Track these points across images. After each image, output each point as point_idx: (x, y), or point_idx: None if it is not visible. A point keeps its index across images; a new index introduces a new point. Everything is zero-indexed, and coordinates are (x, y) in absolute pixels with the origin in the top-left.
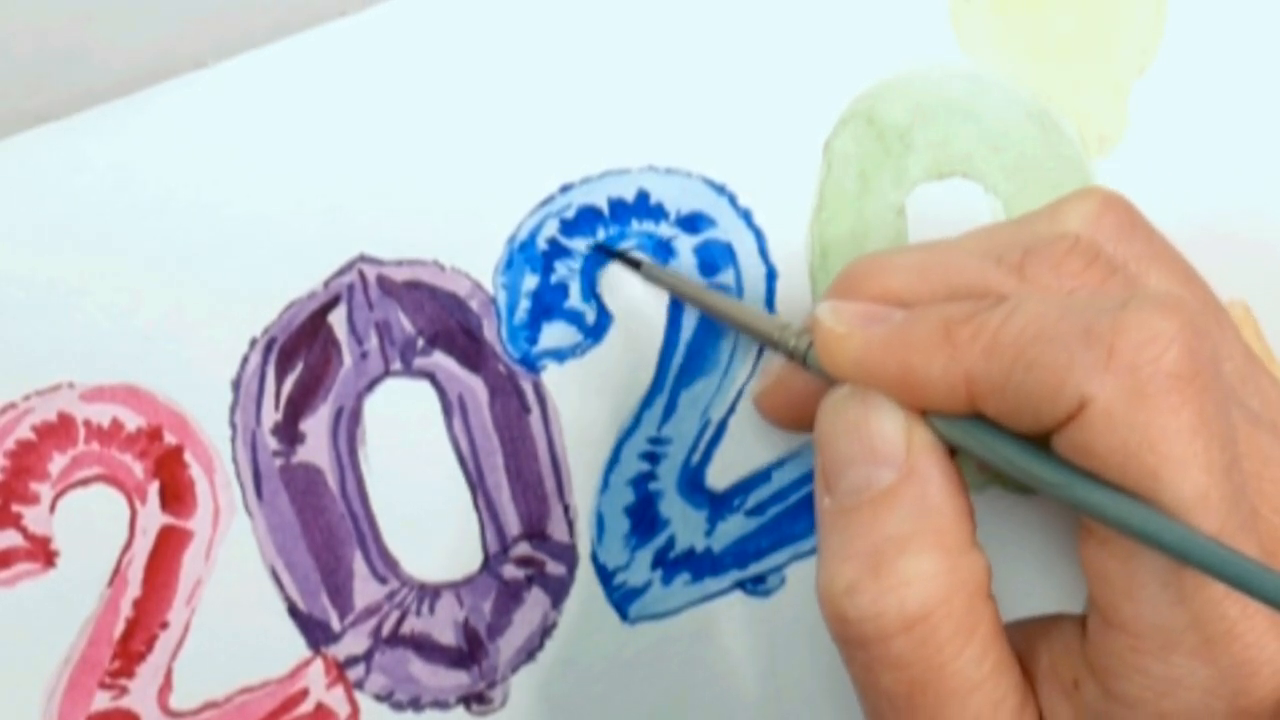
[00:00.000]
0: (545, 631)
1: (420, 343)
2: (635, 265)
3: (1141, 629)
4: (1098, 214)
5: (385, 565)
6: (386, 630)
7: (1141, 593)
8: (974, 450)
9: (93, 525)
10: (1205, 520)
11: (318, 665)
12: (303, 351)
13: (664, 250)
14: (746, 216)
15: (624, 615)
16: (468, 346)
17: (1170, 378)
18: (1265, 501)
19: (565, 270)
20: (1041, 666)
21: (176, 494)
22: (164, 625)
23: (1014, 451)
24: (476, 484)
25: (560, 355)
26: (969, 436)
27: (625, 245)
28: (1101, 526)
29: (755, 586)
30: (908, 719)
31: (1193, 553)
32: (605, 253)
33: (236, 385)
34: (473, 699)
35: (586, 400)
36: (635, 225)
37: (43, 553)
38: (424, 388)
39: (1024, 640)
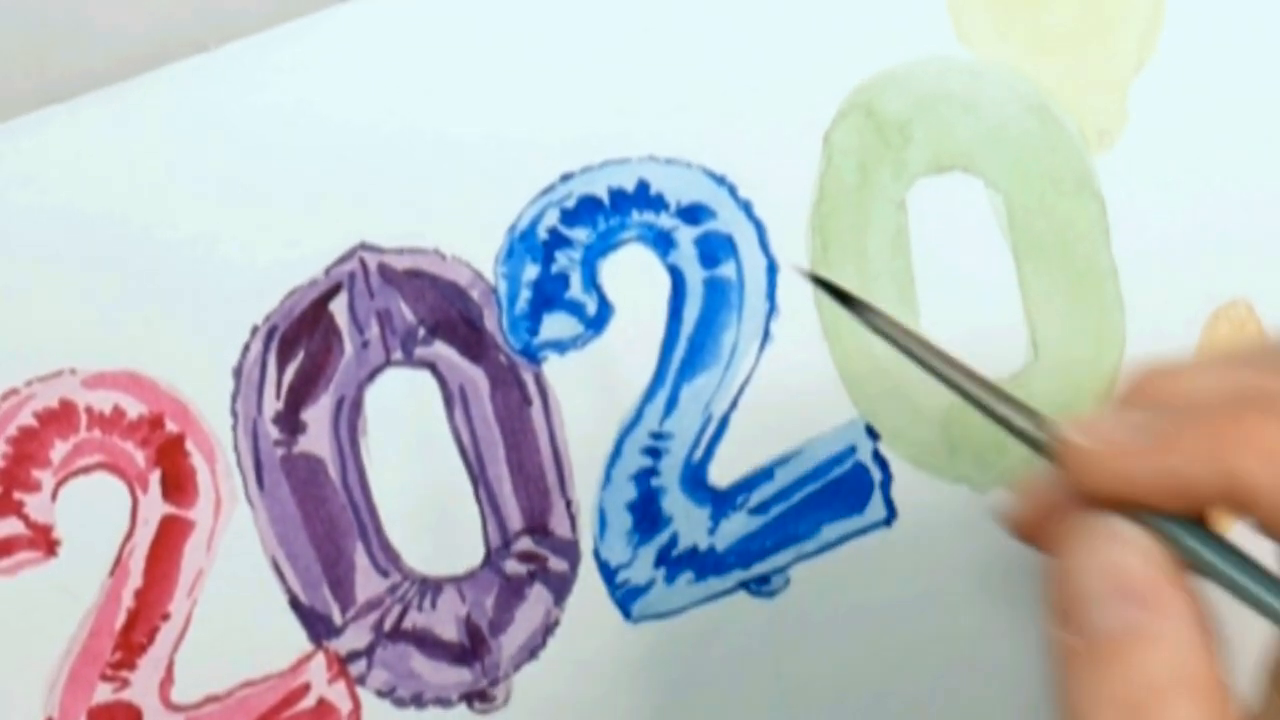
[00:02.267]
0: (548, 629)
1: (421, 332)
2: (848, 301)
3: None
4: None
5: (387, 557)
6: (388, 625)
7: None
8: (1209, 571)
9: (94, 514)
10: None
11: (319, 659)
12: (304, 340)
13: (664, 241)
14: (747, 208)
15: (627, 614)
16: (469, 336)
17: None
18: None
19: (566, 260)
20: None
21: (178, 483)
22: (165, 616)
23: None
24: (478, 476)
25: (561, 346)
26: (1208, 556)
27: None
28: None
29: (759, 587)
30: None
31: None
32: (819, 284)
33: (238, 373)
34: (475, 696)
35: (588, 392)
36: (635, 215)
37: (44, 541)
38: (425, 378)
39: None
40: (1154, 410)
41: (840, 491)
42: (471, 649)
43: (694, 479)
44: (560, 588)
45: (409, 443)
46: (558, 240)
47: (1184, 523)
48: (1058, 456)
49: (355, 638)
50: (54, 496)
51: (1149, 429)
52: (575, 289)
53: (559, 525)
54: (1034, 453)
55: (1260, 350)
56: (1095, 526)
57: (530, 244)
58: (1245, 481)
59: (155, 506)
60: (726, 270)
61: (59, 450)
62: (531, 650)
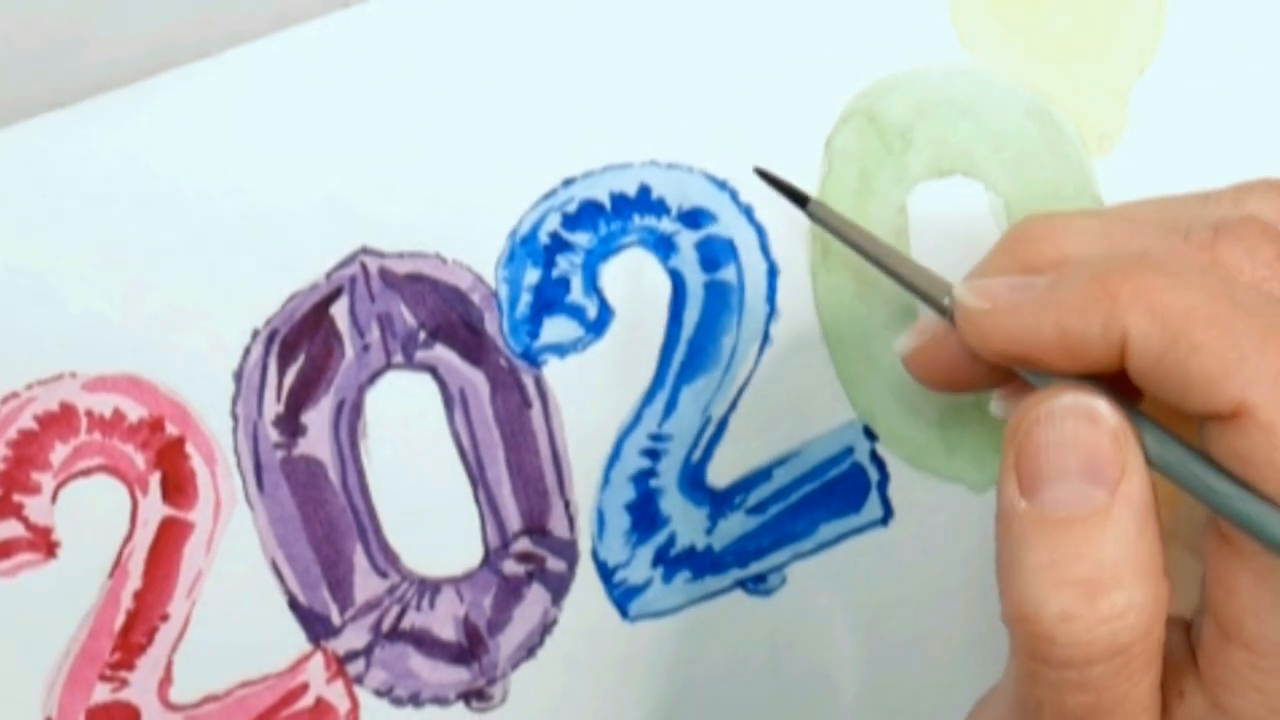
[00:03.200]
0: (545, 628)
1: (422, 336)
2: (801, 201)
3: (1266, 647)
4: None
5: (386, 559)
6: (387, 625)
7: (1272, 612)
8: (1167, 470)
9: (94, 516)
10: None
11: (318, 659)
12: (304, 343)
13: (665, 245)
14: (748, 212)
15: (624, 613)
16: (469, 340)
17: None
18: None
19: (567, 264)
20: None
21: (178, 485)
22: (164, 617)
23: (1190, 458)
24: (477, 478)
25: (561, 350)
26: (1168, 456)
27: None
28: (1241, 539)
29: (756, 585)
30: None
31: None
32: (768, 180)
33: (238, 377)
34: (473, 695)
35: (588, 395)
36: (637, 220)
37: (44, 543)
38: (425, 381)
39: None
40: (1040, 271)
41: (837, 491)
42: (469, 648)
43: (692, 480)
44: (558, 587)
45: (409, 445)
46: (559, 244)
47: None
48: (956, 321)
49: (354, 638)
50: (54, 499)
51: (1038, 287)
52: (576, 293)
53: (557, 526)
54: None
55: (1134, 209)
56: (1069, 402)
57: (531, 248)
58: (1131, 337)
59: (155, 508)
60: (727, 274)
61: (59, 453)
62: (529, 649)
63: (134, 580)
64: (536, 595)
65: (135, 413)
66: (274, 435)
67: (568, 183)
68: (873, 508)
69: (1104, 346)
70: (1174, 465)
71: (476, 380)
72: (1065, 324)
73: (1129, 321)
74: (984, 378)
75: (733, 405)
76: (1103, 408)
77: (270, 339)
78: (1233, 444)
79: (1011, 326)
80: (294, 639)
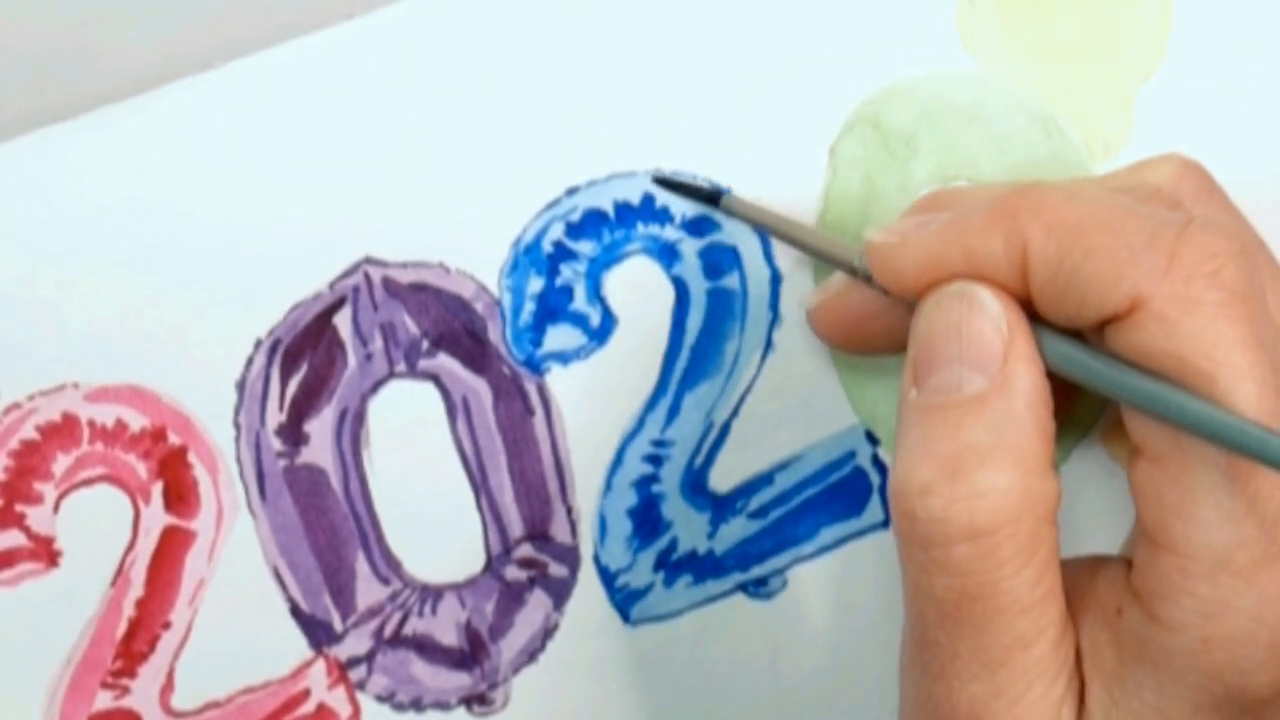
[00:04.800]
0: (547, 633)
1: (425, 344)
2: (713, 200)
3: (1191, 549)
4: (1178, 174)
5: (388, 566)
6: (389, 631)
7: (1194, 510)
8: (1050, 357)
9: (96, 525)
10: None
11: (320, 666)
12: (307, 353)
13: (669, 253)
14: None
15: (626, 617)
16: (472, 348)
17: (1227, 292)
18: None
19: (570, 273)
20: (1085, 598)
21: (180, 494)
22: (166, 625)
23: (1091, 355)
24: (479, 485)
25: (564, 357)
26: (1067, 353)
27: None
28: (1155, 446)
29: (757, 589)
30: (951, 627)
31: (1253, 444)
32: (669, 186)
33: (241, 386)
34: (474, 700)
35: (590, 402)
36: (640, 228)
37: (46, 552)
38: (428, 389)
39: (1071, 575)
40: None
41: (839, 495)
42: (471, 654)
43: (694, 485)
44: (560, 592)
45: (411, 453)
46: (562, 253)
47: None
48: (868, 260)
49: (355, 644)
50: (56, 509)
51: (941, 218)
52: (579, 301)
53: (559, 532)
54: (867, 284)
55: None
56: (954, 288)
57: (535, 257)
58: (1030, 251)
59: (157, 517)
60: (730, 281)
61: (61, 463)
62: (530, 654)
63: (136, 589)
64: (538, 600)
65: (138, 423)
66: (276, 444)
67: (571, 191)
68: (874, 512)
69: (1007, 265)
70: (1078, 364)
71: (479, 388)
72: (970, 245)
73: (1028, 235)
74: (886, 337)
75: (735, 411)
76: (985, 295)
77: (273, 348)
78: (1131, 341)
79: (920, 255)
80: (296, 646)
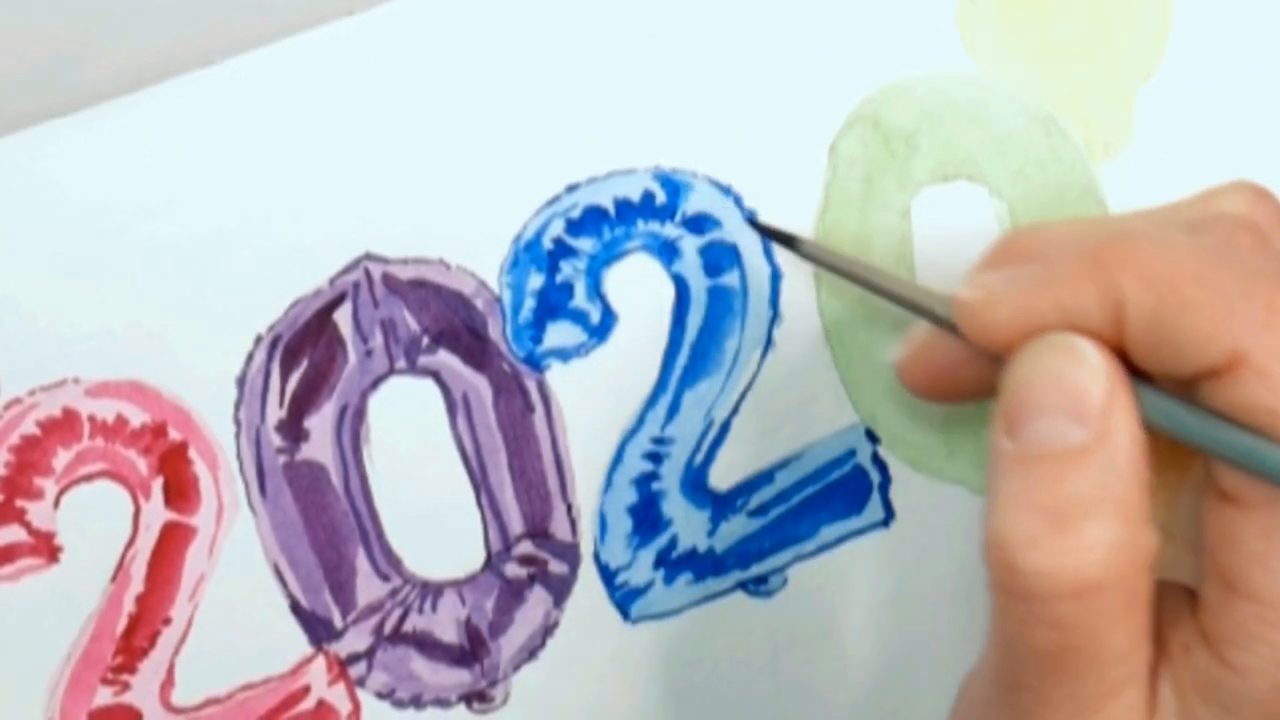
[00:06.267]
0: (547, 630)
1: (425, 341)
2: (789, 242)
3: (1274, 599)
4: (1253, 202)
5: (388, 563)
6: (388, 628)
7: (1278, 561)
8: (1146, 410)
9: (96, 521)
10: None
11: (319, 662)
12: (307, 349)
13: (669, 250)
14: (751, 218)
15: (626, 615)
16: (472, 345)
17: None
18: None
19: (571, 270)
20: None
21: (180, 490)
22: (166, 621)
23: (1187, 410)
24: (479, 482)
25: (565, 355)
26: (1166, 408)
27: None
28: (1244, 493)
29: (757, 587)
30: (1045, 675)
31: None
32: (758, 229)
33: (241, 382)
34: (474, 697)
35: (590, 400)
36: (641, 225)
37: (46, 548)
38: (428, 386)
39: None
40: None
41: (839, 494)
42: (471, 651)
43: (694, 483)
44: (560, 590)
45: (411, 450)
46: (563, 250)
47: None
48: (955, 319)
49: (355, 640)
50: (56, 504)
51: (1032, 272)
52: (580, 298)
53: (559, 529)
54: (953, 334)
55: (1119, 220)
56: (1054, 340)
57: (535, 254)
58: (1126, 304)
59: (157, 513)
60: (730, 279)
61: (61, 458)
62: (531, 651)
63: (136, 584)
64: (538, 598)
65: (138, 418)
66: (276, 440)
67: (571, 188)
68: (874, 510)
69: (1101, 318)
70: (1174, 419)
71: (479, 385)
72: (1063, 300)
73: (1123, 288)
74: (974, 386)
75: (735, 409)
76: (1088, 347)
77: (273, 344)
78: (1230, 396)
79: (1011, 311)
80: (296, 642)
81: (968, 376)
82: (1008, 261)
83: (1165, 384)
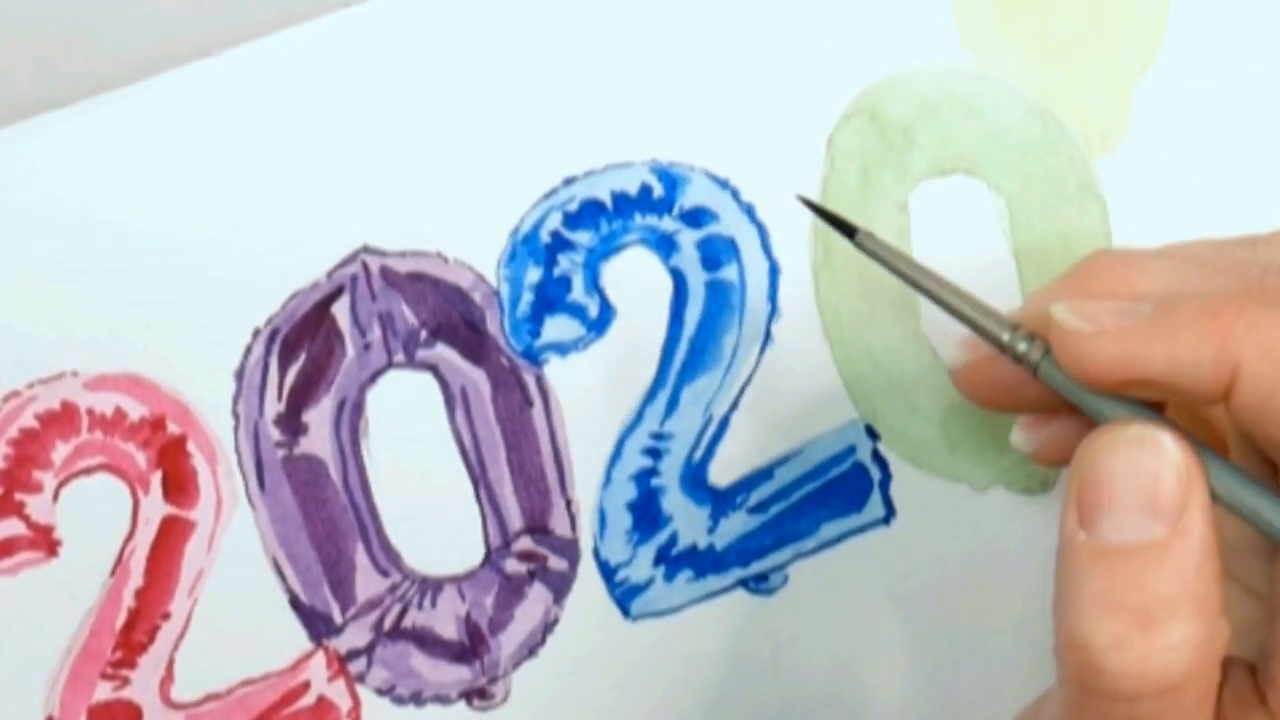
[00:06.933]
0: (547, 627)
1: (423, 334)
2: (850, 232)
3: None
4: None
5: (387, 558)
6: (388, 624)
7: None
8: (1236, 506)
9: (95, 515)
10: None
11: (319, 658)
12: (305, 342)
13: (667, 244)
14: (749, 212)
15: (626, 612)
16: (470, 339)
17: None
18: None
19: (568, 263)
20: None
21: (179, 484)
22: (166, 616)
23: (1255, 488)
24: (478, 477)
25: (563, 349)
26: (1238, 493)
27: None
28: None
29: (758, 584)
30: None
31: None
32: (815, 211)
33: (239, 375)
34: (474, 694)
35: (589, 394)
36: (638, 219)
37: (45, 542)
38: (426, 380)
39: None
40: (1127, 300)
41: (839, 490)
42: (471, 647)
43: (694, 479)
44: (560, 586)
45: (410, 444)
46: (560, 243)
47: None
48: (1054, 341)
49: (355, 636)
50: (55, 497)
51: (1144, 314)
52: (577, 292)
53: (559, 525)
54: (1016, 364)
55: (1191, 250)
56: (1134, 433)
57: (533, 247)
58: (1243, 371)
59: (156, 507)
60: (728, 273)
61: (60, 452)
62: (531, 648)
63: (135, 579)
64: (538, 594)
65: (136, 411)
66: (275, 434)
67: (569, 181)
68: (875, 507)
69: (1212, 379)
70: (1250, 506)
71: (478, 379)
72: (1176, 353)
73: (1243, 355)
74: (1031, 402)
75: (734, 404)
76: (1166, 440)
77: (271, 338)
78: None
79: (1119, 351)
80: (295, 638)
81: (1028, 394)
82: (1097, 288)
83: (1260, 447)
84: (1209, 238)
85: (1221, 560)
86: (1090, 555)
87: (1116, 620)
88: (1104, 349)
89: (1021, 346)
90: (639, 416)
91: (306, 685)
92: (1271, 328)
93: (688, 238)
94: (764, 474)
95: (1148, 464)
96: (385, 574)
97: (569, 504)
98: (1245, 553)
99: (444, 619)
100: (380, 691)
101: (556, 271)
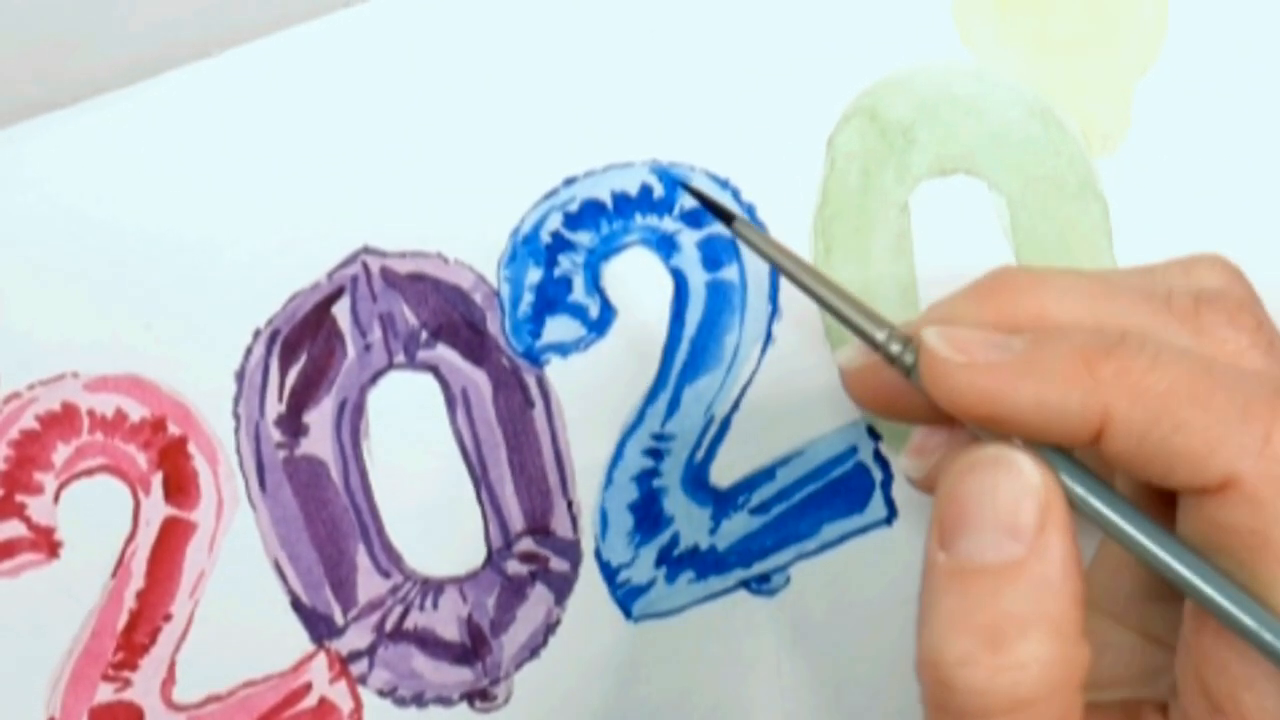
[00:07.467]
0: (549, 628)
1: (424, 335)
2: (728, 220)
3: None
4: (1231, 278)
5: (388, 559)
6: (390, 625)
7: (1268, 684)
8: (1103, 525)
9: (96, 516)
10: None
11: (321, 659)
12: (306, 343)
13: (667, 244)
14: (750, 211)
15: (628, 613)
16: (471, 339)
17: None
18: None
19: (569, 264)
20: None
21: (180, 485)
22: (167, 617)
23: (1149, 536)
24: (479, 478)
25: (564, 349)
26: (1105, 512)
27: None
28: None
29: (760, 585)
30: None
31: None
32: (697, 197)
33: (240, 376)
34: (476, 695)
35: (590, 395)
36: (639, 219)
37: (46, 543)
38: (427, 380)
39: None
40: (1014, 330)
41: (841, 491)
42: (473, 648)
43: (695, 479)
44: (562, 587)
45: (411, 445)
46: (561, 244)
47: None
48: (920, 365)
49: (357, 638)
50: (56, 499)
51: (1016, 349)
52: (578, 292)
53: (560, 526)
54: (890, 365)
55: (1109, 275)
56: (991, 454)
57: (533, 247)
58: (1113, 418)
59: (157, 508)
60: (729, 273)
61: (61, 453)
62: (533, 649)
63: (137, 580)
64: (540, 595)
65: (137, 413)
66: (276, 435)
67: (569, 182)
68: (876, 507)
69: (1080, 423)
70: (1150, 553)
71: (479, 380)
72: (1043, 395)
73: (1111, 399)
74: (921, 411)
75: (736, 405)
76: (1023, 461)
77: (272, 339)
78: (1214, 515)
79: (985, 386)
80: (297, 639)
81: (920, 401)
82: (990, 308)
83: (1142, 486)
84: (1132, 266)
85: (1084, 584)
86: (948, 575)
87: (965, 637)
88: (971, 382)
89: (895, 348)
90: (640, 417)
91: (308, 687)
92: (1143, 373)
93: (688, 238)
94: (766, 474)
95: (1004, 485)
96: (387, 575)
97: (570, 505)
98: (1143, 600)
99: (446, 620)
100: (382, 693)
101: (557, 272)
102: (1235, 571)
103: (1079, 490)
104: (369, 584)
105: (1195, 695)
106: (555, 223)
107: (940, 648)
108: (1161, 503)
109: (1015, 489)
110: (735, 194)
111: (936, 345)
